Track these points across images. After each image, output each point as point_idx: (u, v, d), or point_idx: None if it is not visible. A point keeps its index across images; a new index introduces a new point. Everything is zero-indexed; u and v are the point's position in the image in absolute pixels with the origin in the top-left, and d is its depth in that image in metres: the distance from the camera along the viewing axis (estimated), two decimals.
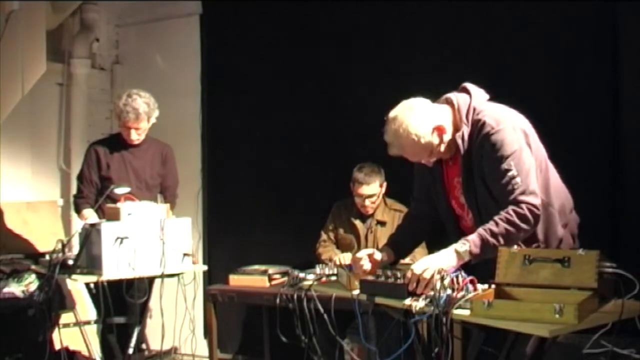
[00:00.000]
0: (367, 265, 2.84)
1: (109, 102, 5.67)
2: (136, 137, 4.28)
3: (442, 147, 2.78)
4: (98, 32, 5.67)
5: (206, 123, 5.32)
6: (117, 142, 4.37)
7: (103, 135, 5.11)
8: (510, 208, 2.61)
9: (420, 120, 2.73)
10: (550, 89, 3.98)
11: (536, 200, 2.63)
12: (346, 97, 4.65)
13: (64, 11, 5.35)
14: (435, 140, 2.75)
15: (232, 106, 5.19)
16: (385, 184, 4.22)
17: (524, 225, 2.60)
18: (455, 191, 2.91)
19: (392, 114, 2.77)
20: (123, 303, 3.97)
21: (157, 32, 5.57)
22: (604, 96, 3.82)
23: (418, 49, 4.38)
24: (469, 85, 2.86)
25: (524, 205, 2.60)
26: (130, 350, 4.13)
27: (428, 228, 3.10)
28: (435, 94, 2.93)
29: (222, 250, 5.20)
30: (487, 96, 2.85)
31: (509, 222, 2.59)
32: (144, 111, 4.19)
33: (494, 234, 2.59)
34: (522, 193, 2.61)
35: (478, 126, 2.72)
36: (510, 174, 2.63)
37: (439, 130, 2.75)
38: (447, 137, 2.77)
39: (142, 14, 5.64)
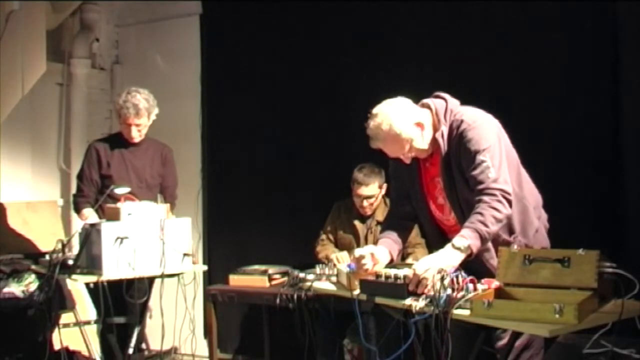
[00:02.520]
0: (369, 264, 2.85)
1: (109, 102, 5.67)
2: (137, 134, 4.28)
3: (421, 144, 2.90)
4: (98, 32, 5.67)
5: (206, 123, 5.32)
6: (118, 141, 4.36)
7: (103, 135, 5.11)
8: (484, 197, 2.71)
9: (402, 116, 2.87)
10: (551, 89, 3.98)
11: (507, 187, 2.75)
12: (347, 97, 4.64)
13: (64, 11, 5.36)
14: (415, 136, 2.88)
15: (232, 106, 5.19)
16: (385, 186, 4.21)
17: (503, 209, 2.71)
18: (435, 192, 3.00)
19: (375, 109, 2.93)
20: (123, 303, 3.96)
21: (157, 32, 5.57)
22: (604, 97, 3.81)
23: (420, 49, 4.38)
24: (442, 93, 3.00)
25: (496, 192, 2.71)
26: (130, 350, 4.13)
27: (412, 225, 3.23)
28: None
29: (222, 250, 5.20)
30: (458, 102, 2.98)
31: (491, 208, 2.69)
32: (143, 107, 4.19)
33: (484, 223, 2.67)
34: (494, 181, 2.73)
35: (456, 124, 2.87)
36: (485, 164, 2.75)
37: (420, 126, 2.89)
38: (426, 134, 2.90)
39: (142, 14, 5.64)
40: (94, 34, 5.63)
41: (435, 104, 2.95)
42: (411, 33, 4.43)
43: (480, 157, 2.75)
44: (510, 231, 2.88)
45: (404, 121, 2.86)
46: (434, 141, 2.90)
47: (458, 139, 2.84)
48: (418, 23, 4.42)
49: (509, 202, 2.73)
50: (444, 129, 2.88)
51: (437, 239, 3.01)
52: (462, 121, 2.85)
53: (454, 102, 2.96)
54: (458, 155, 2.84)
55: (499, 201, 2.70)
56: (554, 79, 3.97)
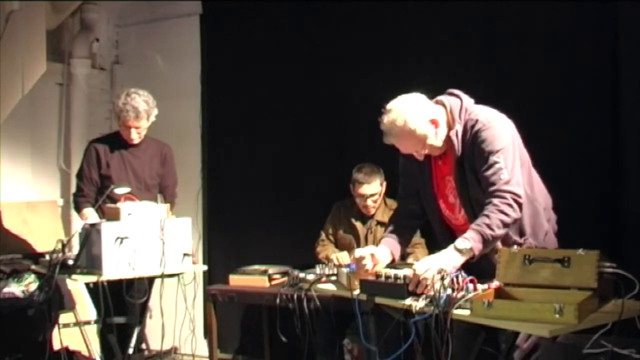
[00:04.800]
0: (369, 264, 2.85)
1: (109, 102, 5.66)
2: (136, 136, 4.27)
3: (435, 141, 2.86)
4: (98, 32, 5.67)
5: (206, 123, 5.32)
6: (117, 141, 4.36)
7: (102, 135, 5.11)
8: (495, 200, 2.69)
9: (417, 112, 2.84)
10: (550, 89, 3.98)
11: (519, 190, 2.73)
12: (347, 97, 4.64)
13: (64, 11, 5.36)
14: (430, 132, 2.85)
15: (232, 106, 5.19)
16: (385, 183, 4.22)
17: (511, 213, 2.68)
18: (445, 190, 2.98)
19: (389, 105, 2.89)
20: (123, 303, 3.97)
21: (157, 32, 5.57)
22: (604, 96, 3.82)
23: (418, 50, 4.38)
24: (455, 91, 2.96)
25: (507, 195, 2.69)
26: (130, 350, 4.13)
27: (418, 225, 3.23)
28: (435, 95, 2.98)
29: (222, 250, 5.20)
30: (472, 100, 2.96)
31: (499, 211, 2.67)
32: (143, 109, 4.18)
33: (489, 226, 2.65)
34: (506, 183, 2.71)
35: (470, 124, 2.84)
36: (498, 165, 2.73)
37: (434, 123, 2.85)
38: (440, 131, 2.87)
39: (142, 14, 5.64)
40: (94, 34, 5.63)
41: (450, 101, 2.91)
42: (411, 35, 4.42)
43: (493, 158, 2.73)
44: (521, 233, 2.84)
45: (419, 117, 2.82)
46: (448, 139, 2.87)
47: (472, 138, 2.81)
48: (418, 25, 4.41)
49: (520, 205, 2.71)
50: (459, 127, 2.85)
51: (445, 238, 2.98)
52: (477, 121, 2.81)
53: (468, 101, 2.93)
54: (472, 155, 2.81)
55: (509, 204, 2.67)
56: (553, 79, 3.97)
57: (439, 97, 2.96)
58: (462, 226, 2.90)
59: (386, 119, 2.85)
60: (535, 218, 2.89)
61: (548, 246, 2.87)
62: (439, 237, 3.05)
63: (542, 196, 2.98)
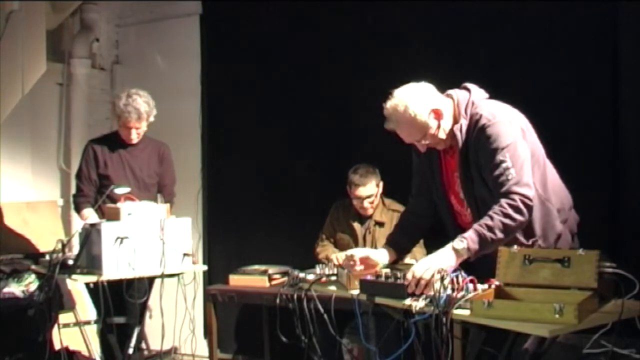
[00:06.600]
0: (357, 265, 2.86)
1: (109, 102, 5.65)
2: (135, 136, 4.29)
3: (439, 133, 2.81)
4: (98, 32, 5.68)
5: (206, 123, 5.32)
6: (114, 141, 4.37)
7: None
8: (503, 201, 2.63)
9: (419, 100, 2.79)
10: (551, 88, 3.98)
11: (529, 192, 2.65)
12: (346, 97, 4.64)
13: (64, 11, 5.36)
14: (431, 122, 2.80)
15: (232, 106, 5.19)
16: (381, 184, 4.22)
17: (518, 217, 2.62)
18: (455, 186, 2.93)
19: (395, 91, 2.85)
20: (123, 303, 3.97)
21: (157, 32, 5.57)
22: (604, 96, 3.81)
23: (418, 50, 4.38)
24: (469, 84, 2.91)
25: (516, 197, 2.62)
26: (130, 350, 4.13)
27: (427, 226, 3.12)
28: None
29: (222, 250, 5.20)
30: (486, 95, 2.91)
31: (503, 214, 2.61)
32: (145, 111, 4.20)
33: (490, 228, 2.60)
34: (516, 184, 2.64)
35: (475, 119, 2.78)
36: (504, 165, 2.66)
37: (436, 113, 2.80)
38: (444, 123, 2.81)
39: (142, 14, 5.64)
40: (94, 34, 5.64)
41: (458, 95, 2.86)
42: (410, 35, 4.42)
43: (499, 157, 2.66)
44: (530, 235, 2.75)
45: (421, 105, 2.77)
46: (453, 133, 2.81)
47: (476, 134, 2.75)
48: (417, 24, 4.41)
49: (529, 208, 2.63)
50: (464, 122, 2.79)
51: (457, 235, 2.83)
52: (481, 116, 2.75)
53: (478, 95, 2.86)
54: (476, 151, 2.76)
55: (516, 207, 2.60)
56: (553, 79, 3.97)
57: (449, 91, 2.91)
58: (469, 223, 2.84)
59: (389, 104, 2.82)
60: (546, 219, 2.79)
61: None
62: (451, 234, 2.93)
63: (557, 196, 2.86)
